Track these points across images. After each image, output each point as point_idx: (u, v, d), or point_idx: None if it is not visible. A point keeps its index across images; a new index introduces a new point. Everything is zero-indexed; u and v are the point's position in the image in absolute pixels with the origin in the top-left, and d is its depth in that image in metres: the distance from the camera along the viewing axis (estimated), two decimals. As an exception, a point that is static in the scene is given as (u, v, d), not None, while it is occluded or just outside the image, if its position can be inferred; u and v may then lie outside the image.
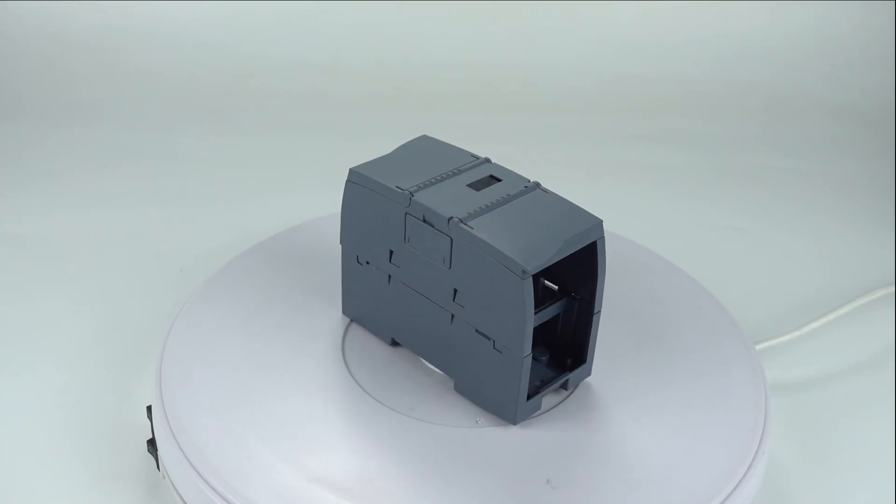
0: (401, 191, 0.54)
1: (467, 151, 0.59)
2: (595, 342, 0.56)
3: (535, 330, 0.52)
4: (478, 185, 0.55)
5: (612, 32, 1.24)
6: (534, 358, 0.56)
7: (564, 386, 0.57)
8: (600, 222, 0.52)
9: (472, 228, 0.51)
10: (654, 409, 0.57)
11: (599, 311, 0.55)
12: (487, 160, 0.58)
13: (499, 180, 0.56)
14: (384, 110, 1.12)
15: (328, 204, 0.81)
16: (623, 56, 1.22)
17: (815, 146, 1.11)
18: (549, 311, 0.54)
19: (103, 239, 0.86)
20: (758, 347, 0.70)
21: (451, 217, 0.52)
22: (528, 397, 0.54)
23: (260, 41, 1.20)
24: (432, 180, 0.55)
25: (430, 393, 0.57)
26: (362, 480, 0.51)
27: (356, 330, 0.62)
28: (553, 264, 0.51)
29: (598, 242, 0.52)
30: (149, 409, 0.60)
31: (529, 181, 0.55)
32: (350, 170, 0.56)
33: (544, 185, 0.56)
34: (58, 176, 0.96)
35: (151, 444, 0.59)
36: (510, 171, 0.57)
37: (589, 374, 0.58)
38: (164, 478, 0.57)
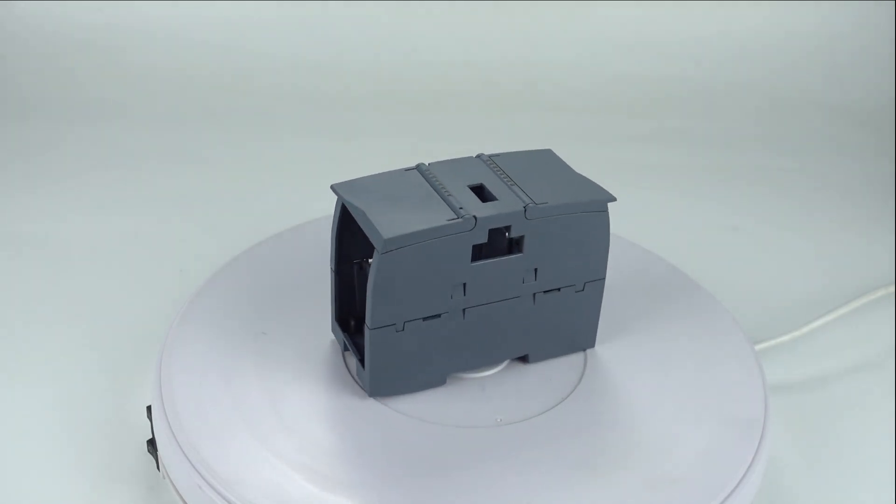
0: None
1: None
2: (372, 357, 0.54)
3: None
4: (480, 191, 0.56)
5: (612, 32, 1.24)
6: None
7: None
8: (385, 240, 0.50)
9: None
10: (653, 409, 0.57)
11: (372, 327, 0.53)
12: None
13: (494, 199, 0.55)
14: (383, 110, 1.12)
15: (328, 204, 0.81)
16: (623, 56, 1.22)
17: (815, 146, 1.11)
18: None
19: (103, 239, 0.86)
20: (758, 347, 0.70)
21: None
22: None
23: (260, 41, 1.19)
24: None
25: (429, 393, 0.57)
26: (363, 481, 0.51)
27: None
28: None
29: (376, 257, 0.51)
30: (149, 409, 0.60)
31: (475, 215, 0.53)
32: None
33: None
34: (56, 176, 0.96)
35: (151, 444, 0.59)
36: (512, 208, 0.54)
37: (368, 393, 0.56)
38: (164, 478, 0.57)
